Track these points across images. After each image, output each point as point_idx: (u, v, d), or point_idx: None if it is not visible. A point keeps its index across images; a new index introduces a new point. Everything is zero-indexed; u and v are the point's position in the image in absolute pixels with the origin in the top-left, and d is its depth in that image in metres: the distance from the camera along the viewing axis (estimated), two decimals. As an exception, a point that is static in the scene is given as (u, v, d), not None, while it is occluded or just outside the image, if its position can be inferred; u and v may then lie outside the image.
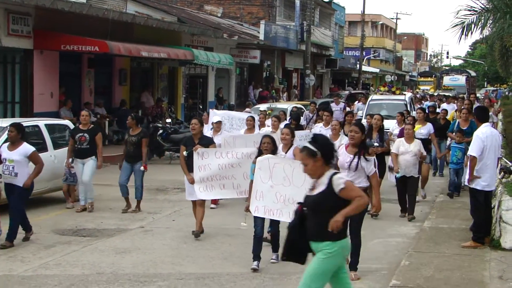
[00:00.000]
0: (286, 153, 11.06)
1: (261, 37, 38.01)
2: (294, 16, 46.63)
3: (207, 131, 15.57)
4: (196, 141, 12.02)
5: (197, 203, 12.13)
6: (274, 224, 10.30)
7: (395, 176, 14.29)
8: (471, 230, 11.75)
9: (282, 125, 15.82)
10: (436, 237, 12.01)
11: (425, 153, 14.60)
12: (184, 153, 12.10)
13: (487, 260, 10.39)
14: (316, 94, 50.82)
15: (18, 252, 11.06)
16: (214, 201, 14.53)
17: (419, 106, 27.49)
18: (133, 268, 10.14)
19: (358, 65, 63.73)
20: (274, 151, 10.35)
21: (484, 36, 25.56)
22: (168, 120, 25.17)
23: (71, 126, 16.20)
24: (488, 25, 19.63)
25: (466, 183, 15.63)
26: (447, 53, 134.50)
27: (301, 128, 17.40)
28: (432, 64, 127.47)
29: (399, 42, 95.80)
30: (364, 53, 66.20)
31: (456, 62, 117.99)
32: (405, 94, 29.65)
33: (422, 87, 73.44)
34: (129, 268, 10.12)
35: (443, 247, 11.28)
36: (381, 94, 29.24)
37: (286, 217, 9.57)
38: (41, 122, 15.18)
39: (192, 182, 11.82)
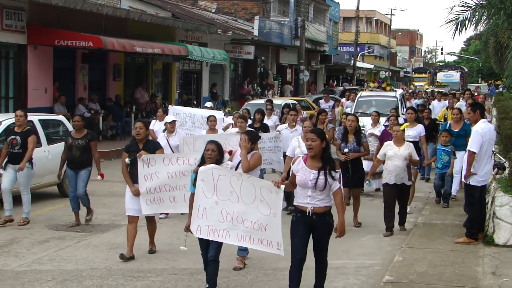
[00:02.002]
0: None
1: (255, 32, 38.02)
2: (288, 12, 46.70)
3: (160, 131, 14.70)
4: (141, 146, 10.48)
5: (147, 218, 10.79)
6: (214, 247, 8.65)
7: (369, 184, 13.05)
8: (464, 226, 11.78)
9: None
10: (430, 233, 12.04)
11: (417, 158, 12.81)
12: (127, 160, 10.48)
13: (481, 256, 10.41)
14: (311, 90, 50.83)
15: (12, 247, 11.06)
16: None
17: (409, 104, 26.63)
18: (127, 264, 10.13)
19: (352, 61, 63.79)
20: (219, 160, 8.84)
21: (478, 32, 25.55)
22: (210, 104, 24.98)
23: (65, 121, 16.18)
24: (482, 21, 19.63)
25: (453, 193, 14.96)
26: (442, 49, 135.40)
27: (265, 127, 15.67)
28: (426, 60, 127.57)
29: (393, 38, 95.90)
30: (358, 49, 66.31)
31: (451, 58, 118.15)
32: (396, 91, 28.13)
33: (416, 83, 73.46)
34: (122, 264, 10.11)
35: (437, 243, 11.30)
36: (371, 90, 27.76)
37: (234, 239, 8.36)
38: (35, 118, 15.12)
39: (137, 194, 10.27)
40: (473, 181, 11.23)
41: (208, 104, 21.22)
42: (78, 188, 12.69)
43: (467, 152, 11.27)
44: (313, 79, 57.35)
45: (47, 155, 14.68)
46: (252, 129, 12.31)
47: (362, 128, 14.18)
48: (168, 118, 14.29)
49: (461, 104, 22.40)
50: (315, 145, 7.94)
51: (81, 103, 24.56)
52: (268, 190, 8.14)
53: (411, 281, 9.12)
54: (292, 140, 12.84)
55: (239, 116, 14.34)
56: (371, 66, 75.72)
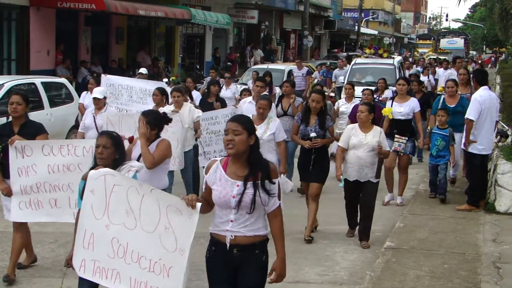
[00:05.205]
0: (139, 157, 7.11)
1: (259, -3, 37.80)
2: (292, -24, 46.31)
3: (92, 106, 11.53)
4: (16, 130, 7.84)
5: (17, 226, 8.11)
6: None
7: (341, 183, 9.73)
8: (466, 193, 11.80)
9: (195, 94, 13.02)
10: (431, 200, 12.04)
11: (387, 148, 9.70)
12: None
13: (482, 223, 10.44)
14: (314, 55, 50.61)
15: (14, 210, 11.09)
16: None
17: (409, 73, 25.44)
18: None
19: (356, 27, 63.41)
20: (118, 160, 6.12)
21: (484, -2, 25.40)
22: (165, 80, 25.08)
23: (68, 84, 16.14)
24: (488, -12, 19.47)
25: (452, 175, 13.11)
26: (447, 15, 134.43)
27: (223, 102, 13.20)
28: (431, 27, 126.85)
29: (398, 4, 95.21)
30: (363, 14, 65.84)
31: (455, 25, 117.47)
32: (393, 58, 25.77)
33: (420, 50, 73.05)
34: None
35: (438, 209, 11.33)
36: (366, 57, 26.15)
37: (125, 284, 5.42)
38: (38, 80, 15.10)
39: (8, 193, 7.84)
40: (473, 149, 11.19)
41: (143, 70, 18.14)
42: None
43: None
44: (317, 45, 57.06)
45: (50, 118, 14.66)
46: (155, 111, 7.98)
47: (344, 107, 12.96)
48: (96, 92, 11.26)
49: (450, 73, 20.75)
50: (238, 141, 5.12)
51: (83, 66, 24.52)
52: (177, 210, 5.26)
53: (412, 247, 9.15)
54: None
55: (174, 89, 11.27)
56: (375, 32, 75.27)
